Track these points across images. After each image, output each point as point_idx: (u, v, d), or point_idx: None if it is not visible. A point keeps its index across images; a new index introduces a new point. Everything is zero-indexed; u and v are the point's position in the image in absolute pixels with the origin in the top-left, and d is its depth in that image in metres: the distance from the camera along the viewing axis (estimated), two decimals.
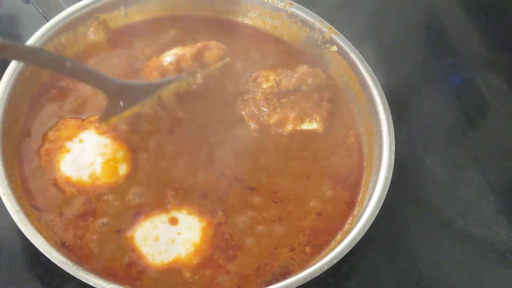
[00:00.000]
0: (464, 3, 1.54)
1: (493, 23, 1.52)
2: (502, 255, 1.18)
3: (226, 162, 1.12)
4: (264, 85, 1.19)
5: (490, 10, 1.52)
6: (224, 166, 1.11)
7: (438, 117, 1.35)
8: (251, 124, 1.16)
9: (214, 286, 0.99)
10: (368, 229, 1.01)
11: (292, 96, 1.17)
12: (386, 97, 1.17)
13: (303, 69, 1.20)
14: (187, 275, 0.99)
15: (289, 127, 1.16)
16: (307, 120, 1.16)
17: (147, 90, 1.13)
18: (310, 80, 1.19)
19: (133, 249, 1.00)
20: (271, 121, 1.16)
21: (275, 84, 1.19)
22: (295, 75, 1.19)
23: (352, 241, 0.99)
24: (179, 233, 1.02)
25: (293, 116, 1.15)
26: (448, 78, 1.43)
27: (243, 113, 1.17)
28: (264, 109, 1.16)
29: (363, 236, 1.00)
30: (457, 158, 1.30)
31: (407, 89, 1.33)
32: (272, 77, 1.20)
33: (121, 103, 1.10)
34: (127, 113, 1.11)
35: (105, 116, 1.11)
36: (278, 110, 1.16)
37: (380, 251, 1.15)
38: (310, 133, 1.17)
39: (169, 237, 1.02)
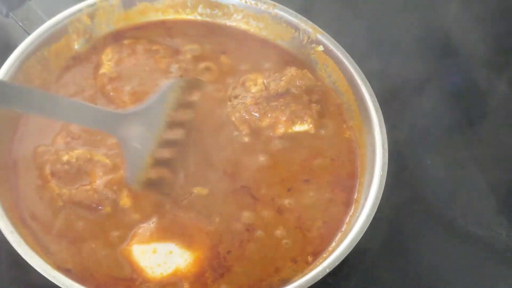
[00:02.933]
0: (464, 3, 1.54)
1: (494, 23, 1.52)
2: (502, 255, 1.18)
3: (220, 170, 1.10)
4: (253, 89, 1.18)
5: (491, 10, 1.52)
6: (218, 174, 1.10)
7: (438, 117, 1.35)
8: (243, 129, 1.15)
9: None
10: (369, 229, 1.00)
11: (281, 99, 1.16)
12: (386, 97, 1.17)
13: (291, 71, 1.20)
14: (185, 286, 0.98)
15: (281, 130, 1.15)
16: (298, 122, 1.15)
17: (155, 110, 1.02)
18: (298, 82, 1.18)
19: (131, 263, 0.99)
20: (262, 125, 1.15)
21: (264, 88, 1.18)
22: (283, 78, 1.18)
23: (352, 242, 0.98)
24: (177, 244, 1.02)
25: (284, 119, 1.15)
26: (448, 78, 1.43)
27: (233, 119, 1.15)
28: (255, 114, 1.15)
29: (363, 236, 1.00)
30: (457, 158, 1.30)
31: (407, 89, 1.33)
32: (260, 80, 1.20)
33: (137, 145, 0.98)
34: (150, 159, 0.99)
35: (133, 172, 0.99)
36: (269, 114, 1.15)
37: (380, 251, 1.15)
38: (302, 135, 1.16)
39: (167, 248, 1.01)
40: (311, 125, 1.16)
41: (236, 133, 1.15)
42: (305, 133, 1.16)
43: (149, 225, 1.03)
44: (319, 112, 1.18)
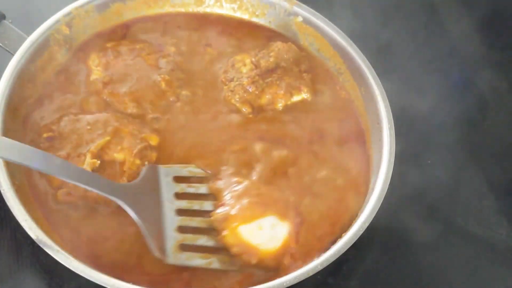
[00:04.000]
0: (464, 3, 1.54)
1: (494, 22, 1.52)
2: (502, 255, 1.18)
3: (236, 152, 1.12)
4: (244, 70, 1.21)
5: (491, 10, 1.52)
6: (236, 157, 1.12)
7: (438, 117, 1.34)
8: (245, 109, 1.18)
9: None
10: (369, 229, 1.00)
11: (274, 74, 1.21)
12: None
13: (278, 45, 1.24)
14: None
15: (280, 104, 1.20)
16: (295, 93, 1.20)
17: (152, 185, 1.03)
18: (286, 55, 1.23)
19: (242, 244, 1.01)
20: (263, 102, 1.19)
21: (254, 67, 1.22)
22: (271, 54, 1.22)
23: (351, 238, 0.99)
24: (276, 216, 1.04)
25: (282, 92, 1.19)
26: (448, 78, 1.43)
27: (234, 101, 1.18)
28: (255, 93, 1.19)
29: (363, 236, 1.00)
30: (457, 158, 1.30)
31: (407, 89, 1.33)
32: (247, 60, 1.23)
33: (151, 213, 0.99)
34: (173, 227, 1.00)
35: (158, 244, 0.98)
36: (267, 90, 1.19)
37: (380, 251, 1.15)
38: (302, 104, 1.21)
39: (270, 222, 1.03)
40: (308, 94, 1.21)
41: (238, 114, 1.18)
42: (303, 101, 1.21)
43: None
44: (312, 80, 1.23)
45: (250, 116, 1.18)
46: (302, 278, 0.94)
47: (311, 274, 0.95)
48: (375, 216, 1.02)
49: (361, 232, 0.99)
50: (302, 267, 0.96)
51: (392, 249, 1.16)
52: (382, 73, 1.21)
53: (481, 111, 1.40)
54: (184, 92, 1.20)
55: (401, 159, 1.12)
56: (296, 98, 1.20)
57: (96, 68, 1.20)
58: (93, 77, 1.19)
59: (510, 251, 1.18)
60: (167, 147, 1.12)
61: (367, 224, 1.00)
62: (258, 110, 1.19)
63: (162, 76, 1.19)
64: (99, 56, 1.22)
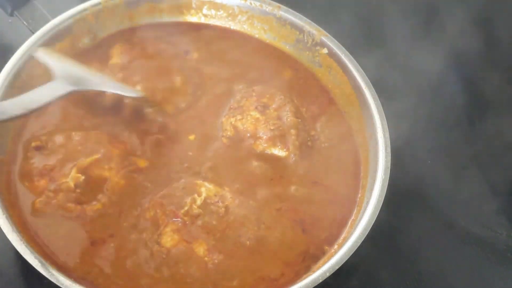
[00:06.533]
0: (464, 2, 1.54)
1: (494, 22, 1.52)
2: (502, 255, 1.18)
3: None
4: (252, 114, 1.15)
5: (491, 9, 1.52)
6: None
7: (438, 117, 1.35)
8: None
9: None
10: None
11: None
12: (386, 97, 1.17)
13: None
14: None
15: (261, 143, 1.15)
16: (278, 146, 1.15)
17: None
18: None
19: None
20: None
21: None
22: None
23: (353, 245, 0.98)
24: None
25: (265, 137, 1.14)
26: (448, 78, 1.43)
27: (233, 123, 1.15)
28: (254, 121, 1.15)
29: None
30: (457, 158, 1.30)
31: (407, 88, 1.33)
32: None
33: None
34: None
35: None
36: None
37: (380, 251, 1.15)
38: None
39: None
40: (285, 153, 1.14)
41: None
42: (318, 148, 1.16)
43: None
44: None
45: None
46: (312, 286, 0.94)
47: (321, 280, 0.94)
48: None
49: (365, 235, 0.99)
50: (311, 275, 0.95)
51: (392, 249, 1.16)
52: (382, 73, 1.21)
53: (481, 111, 1.40)
54: (191, 98, 1.19)
55: (401, 159, 1.12)
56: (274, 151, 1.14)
57: (118, 55, 1.20)
58: (113, 61, 1.19)
59: (510, 251, 1.18)
60: (158, 164, 1.10)
61: (368, 229, 1.00)
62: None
63: (179, 76, 1.19)
64: (122, 48, 1.22)
